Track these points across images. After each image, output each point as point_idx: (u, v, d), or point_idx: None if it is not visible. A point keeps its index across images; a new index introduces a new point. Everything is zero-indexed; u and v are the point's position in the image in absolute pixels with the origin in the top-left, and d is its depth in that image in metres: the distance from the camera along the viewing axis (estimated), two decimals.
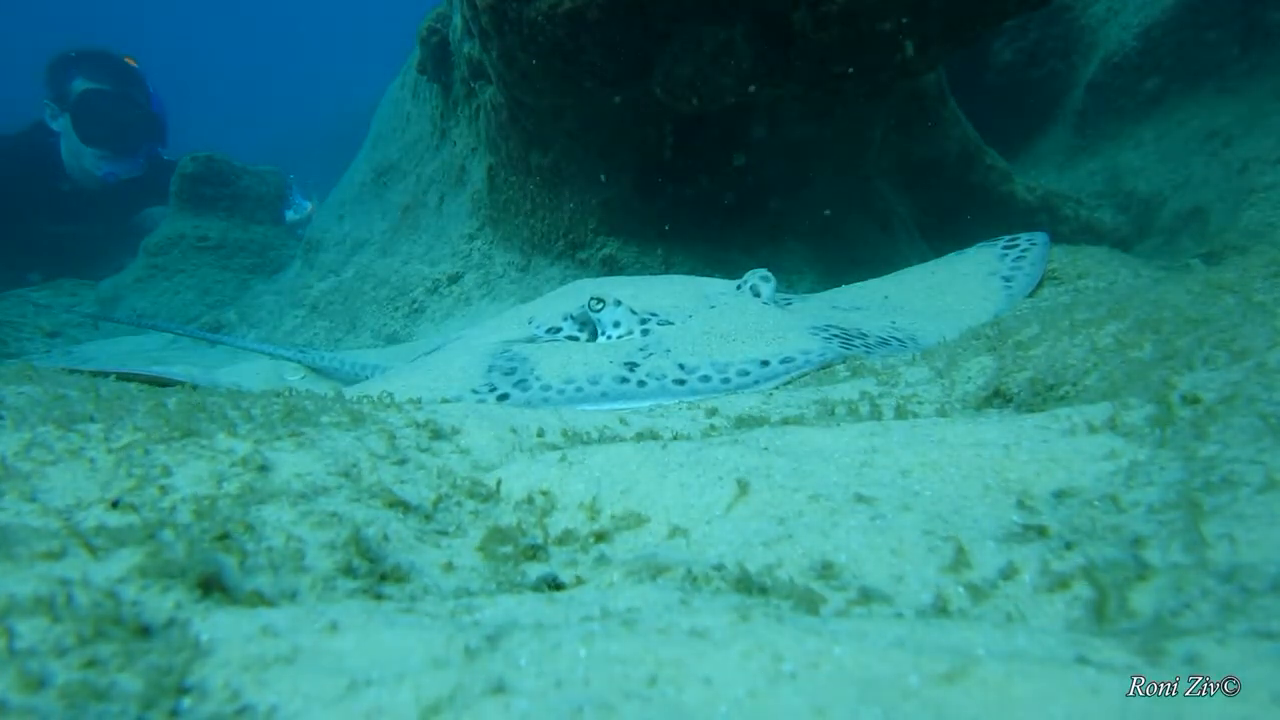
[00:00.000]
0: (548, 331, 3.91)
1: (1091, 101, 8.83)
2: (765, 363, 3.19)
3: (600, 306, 3.69)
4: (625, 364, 3.29)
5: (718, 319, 3.55)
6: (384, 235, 8.63)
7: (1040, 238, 4.76)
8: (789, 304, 4.08)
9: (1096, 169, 8.52)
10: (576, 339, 3.82)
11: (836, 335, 3.45)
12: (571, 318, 3.86)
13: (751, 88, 5.14)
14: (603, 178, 6.17)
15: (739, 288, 3.88)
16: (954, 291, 4.31)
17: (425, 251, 7.82)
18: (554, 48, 5.08)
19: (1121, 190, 8.08)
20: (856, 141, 6.34)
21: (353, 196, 9.63)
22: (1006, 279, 4.33)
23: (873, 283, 4.83)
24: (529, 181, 6.59)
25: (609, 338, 3.72)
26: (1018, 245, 4.69)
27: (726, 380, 3.12)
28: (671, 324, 3.63)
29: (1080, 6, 9.16)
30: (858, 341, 3.43)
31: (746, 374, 3.14)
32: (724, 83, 5.05)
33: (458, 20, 6.93)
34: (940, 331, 3.60)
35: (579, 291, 4.20)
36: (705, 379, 3.13)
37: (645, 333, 3.63)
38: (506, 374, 3.44)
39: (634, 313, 3.68)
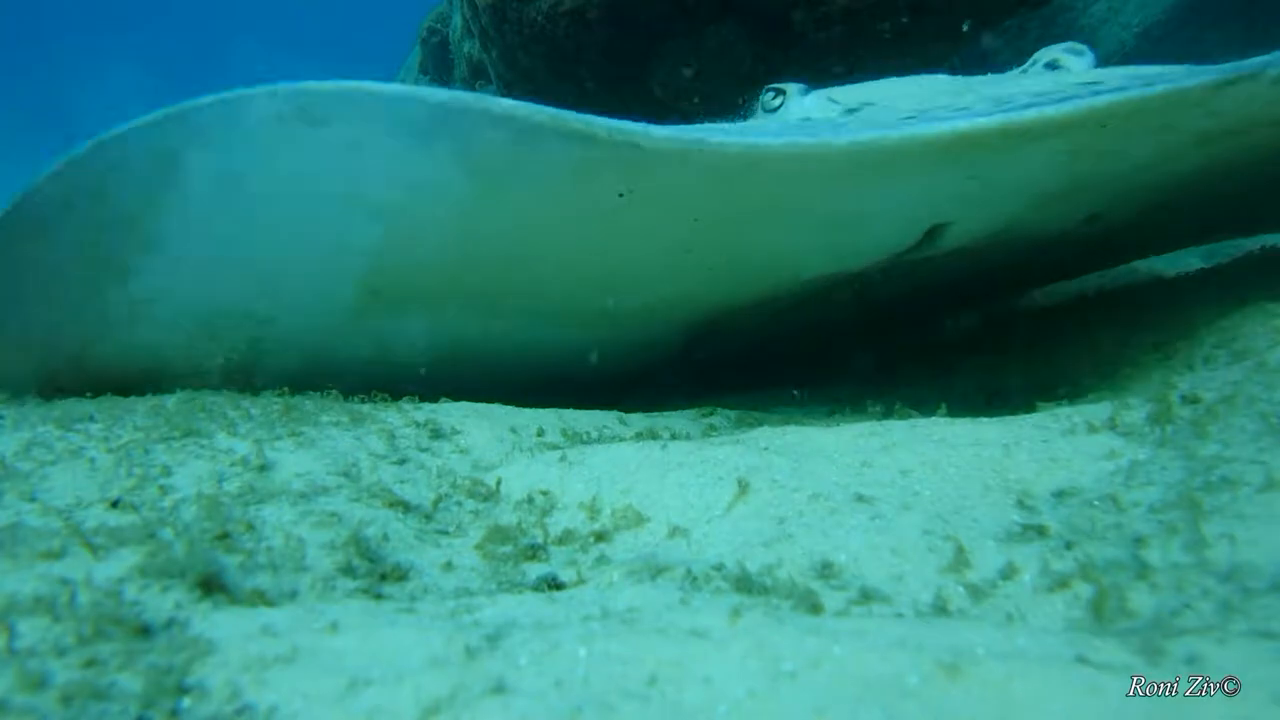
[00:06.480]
0: None
1: None
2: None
3: (778, 100, 2.58)
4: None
5: (980, 86, 2.43)
6: None
7: None
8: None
9: None
10: None
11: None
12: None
13: (751, 87, 5.13)
14: None
15: (1025, 71, 2.68)
16: None
17: None
18: (554, 48, 5.07)
19: None
20: None
21: None
22: None
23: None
24: None
25: None
26: None
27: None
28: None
29: (1080, 6, 9.16)
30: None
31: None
32: (724, 82, 5.04)
33: (458, 20, 6.93)
34: None
35: None
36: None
37: (852, 112, 2.44)
38: None
39: (835, 101, 2.52)
